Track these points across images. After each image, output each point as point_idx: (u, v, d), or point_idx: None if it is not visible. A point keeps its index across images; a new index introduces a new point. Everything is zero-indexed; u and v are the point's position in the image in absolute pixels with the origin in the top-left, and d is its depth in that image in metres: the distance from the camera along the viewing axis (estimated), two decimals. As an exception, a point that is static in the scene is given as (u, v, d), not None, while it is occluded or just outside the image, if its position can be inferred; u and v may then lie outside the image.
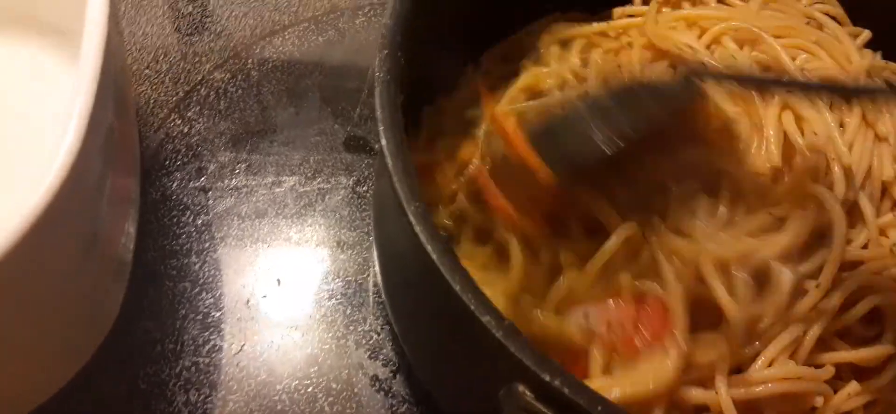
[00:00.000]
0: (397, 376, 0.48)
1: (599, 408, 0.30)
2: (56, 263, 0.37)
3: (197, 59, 0.60)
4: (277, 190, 0.55)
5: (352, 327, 0.50)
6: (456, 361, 0.39)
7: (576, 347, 0.37)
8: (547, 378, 0.30)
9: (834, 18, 0.48)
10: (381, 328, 0.50)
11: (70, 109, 0.35)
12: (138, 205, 0.49)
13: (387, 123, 0.35)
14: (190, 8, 0.63)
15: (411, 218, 0.33)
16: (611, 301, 0.37)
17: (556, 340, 0.37)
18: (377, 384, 0.48)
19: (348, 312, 0.50)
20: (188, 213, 0.53)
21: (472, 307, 0.31)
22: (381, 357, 0.49)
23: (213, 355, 0.48)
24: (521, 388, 0.32)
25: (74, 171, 0.34)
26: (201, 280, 0.50)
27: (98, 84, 0.36)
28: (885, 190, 0.42)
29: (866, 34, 0.47)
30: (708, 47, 0.45)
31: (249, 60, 0.61)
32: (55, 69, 0.49)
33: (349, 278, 0.52)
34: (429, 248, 0.32)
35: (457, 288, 0.31)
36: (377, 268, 0.48)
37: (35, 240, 0.33)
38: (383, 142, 0.35)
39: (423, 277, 0.36)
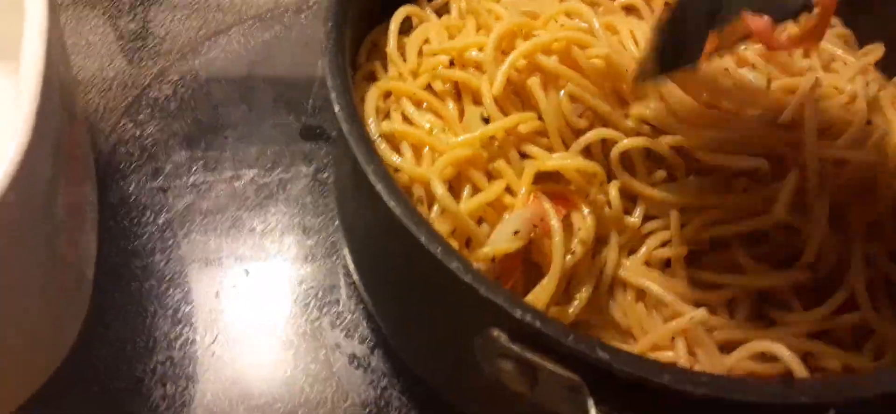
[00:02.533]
0: (375, 352, 0.49)
1: (570, 338, 0.30)
2: (12, 272, 0.36)
3: (143, 63, 0.60)
4: (237, 184, 0.55)
5: (325, 309, 0.50)
6: (429, 321, 0.39)
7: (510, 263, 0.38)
8: (518, 314, 0.31)
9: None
10: (355, 307, 0.50)
11: (14, 125, 0.34)
12: (97, 210, 0.49)
13: (339, 90, 0.36)
14: (131, 15, 0.63)
15: (371, 178, 0.33)
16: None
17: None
18: (355, 362, 0.48)
19: (320, 295, 0.51)
20: (148, 213, 0.53)
21: (440, 256, 0.32)
22: (357, 335, 0.49)
23: (187, 348, 0.48)
24: (495, 332, 0.33)
25: (22, 175, 0.33)
26: (168, 277, 0.50)
27: (41, 88, 0.36)
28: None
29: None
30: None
31: (196, 61, 0.60)
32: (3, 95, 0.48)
33: (318, 262, 0.52)
34: (391, 204, 0.33)
35: (422, 239, 0.32)
36: (346, 249, 0.48)
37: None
38: (336, 108, 0.35)
39: (390, 238, 0.37)
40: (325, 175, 0.56)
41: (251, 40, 0.62)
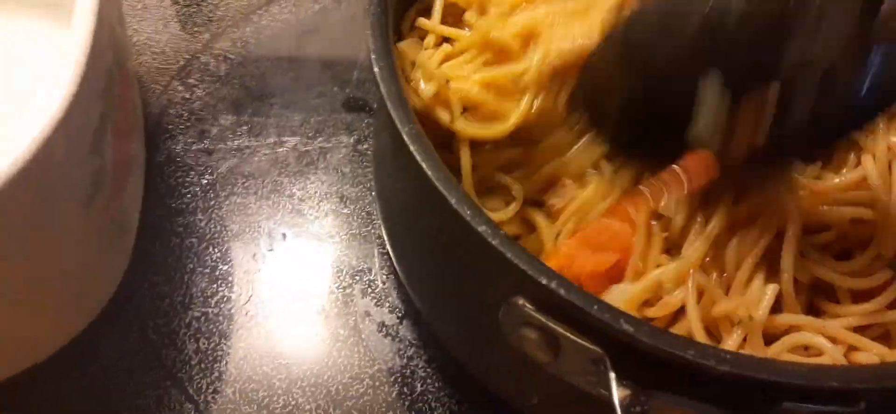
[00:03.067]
0: (403, 322, 0.49)
1: (595, 307, 0.30)
2: (56, 209, 0.37)
3: (195, 29, 0.61)
4: (279, 150, 0.56)
5: (357, 277, 0.51)
6: (457, 289, 0.40)
7: None
8: (543, 281, 0.31)
9: None
10: (387, 278, 0.51)
11: (64, 68, 0.35)
12: (143, 166, 0.51)
13: (379, 52, 0.36)
14: (188, -18, 0.64)
15: (406, 138, 0.34)
16: None
17: None
18: (384, 330, 0.49)
19: (353, 263, 0.51)
20: (193, 173, 0.54)
21: (468, 218, 0.32)
22: (386, 305, 0.50)
23: (222, 306, 0.49)
24: (520, 301, 0.33)
25: (69, 118, 0.35)
26: (208, 236, 0.51)
27: (92, 37, 0.37)
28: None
29: None
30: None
31: (247, 29, 0.62)
32: (52, 44, 0.50)
33: (353, 231, 0.53)
34: (424, 166, 0.33)
35: (452, 201, 0.32)
36: (381, 219, 0.49)
37: (30, 181, 0.33)
38: (376, 70, 0.36)
39: (422, 203, 0.37)
40: (365, 147, 0.56)
41: (301, 11, 0.63)
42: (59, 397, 0.45)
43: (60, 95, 0.34)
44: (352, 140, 0.56)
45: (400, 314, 0.49)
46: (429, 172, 0.33)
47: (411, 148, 0.33)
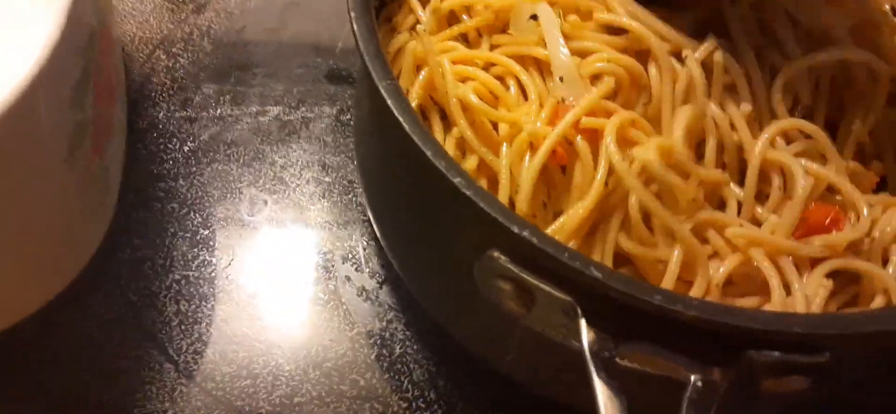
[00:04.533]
0: (383, 287, 0.50)
1: (565, 255, 0.31)
2: (34, 163, 0.38)
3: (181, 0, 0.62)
4: (262, 119, 0.56)
5: (338, 244, 0.51)
6: (433, 247, 0.40)
7: None
8: (516, 230, 0.31)
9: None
10: (367, 244, 0.51)
11: (46, 20, 0.35)
12: (125, 131, 0.51)
13: (358, 11, 0.37)
14: (173, -47, 0.64)
15: (383, 92, 0.34)
16: None
17: None
18: (364, 294, 0.49)
19: (334, 230, 0.52)
20: (175, 140, 0.54)
21: (443, 169, 0.32)
22: (367, 270, 0.50)
23: (203, 270, 0.49)
24: (495, 253, 0.33)
25: (49, 70, 0.35)
26: (189, 201, 0.52)
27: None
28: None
29: None
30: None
31: (232, 0, 0.62)
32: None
33: (334, 199, 0.53)
34: (401, 119, 0.34)
35: (429, 153, 0.33)
36: (362, 187, 0.49)
37: (15, 124, 0.34)
38: (355, 27, 0.36)
39: (399, 157, 0.38)
40: (347, 117, 0.57)
41: (285, -17, 0.64)
42: (38, 356, 0.45)
43: (40, 45, 0.34)
44: (334, 111, 0.57)
45: (380, 279, 0.50)
46: (405, 126, 0.33)
47: (388, 102, 0.34)
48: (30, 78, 0.33)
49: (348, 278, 0.50)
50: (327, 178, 0.54)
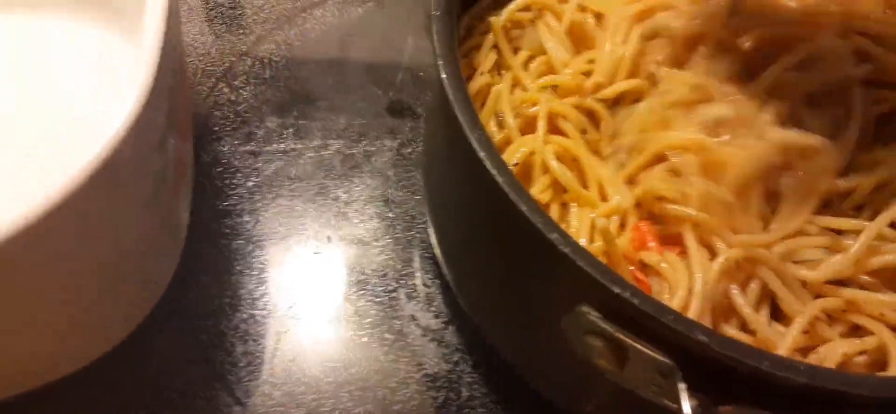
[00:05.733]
0: (449, 327, 0.49)
1: (670, 317, 0.30)
2: (123, 208, 0.38)
3: (241, 31, 0.62)
4: (324, 153, 0.56)
5: (402, 281, 0.51)
6: (517, 294, 0.39)
7: None
8: (617, 290, 0.31)
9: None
10: (432, 282, 0.51)
11: (137, 72, 0.36)
12: (193, 168, 0.51)
13: (445, 57, 0.36)
14: (231, -16, 0.65)
15: (475, 144, 0.34)
16: None
17: None
18: (430, 334, 0.49)
19: (398, 266, 0.51)
20: (239, 175, 0.54)
21: (540, 226, 0.32)
22: (432, 309, 0.50)
23: (269, 308, 0.49)
24: (585, 308, 0.33)
25: (143, 119, 0.35)
26: (255, 238, 0.51)
27: (162, 44, 0.37)
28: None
29: None
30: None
31: (292, 31, 0.62)
32: (113, 47, 0.50)
33: (398, 235, 0.53)
34: (494, 173, 0.33)
35: (524, 208, 0.32)
36: (429, 223, 0.49)
37: (104, 180, 0.34)
38: (443, 75, 0.36)
39: (485, 208, 0.37)
40: (408, 151, 0.56)
41: (345, 14, 0.63)
42: (110, 395, 0.45)
43: (133, 99, 0.34)
44: (396, 144, 0.57)
45: (445, 319, 0.49)
46: (499, 180, 0.33)
47: (480, 155, 0.33)
48: (124, 129, 0.33)
49: (414, 318, 0.49)
50: (390, 214, 0.54)
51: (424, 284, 0.51)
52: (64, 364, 0.42)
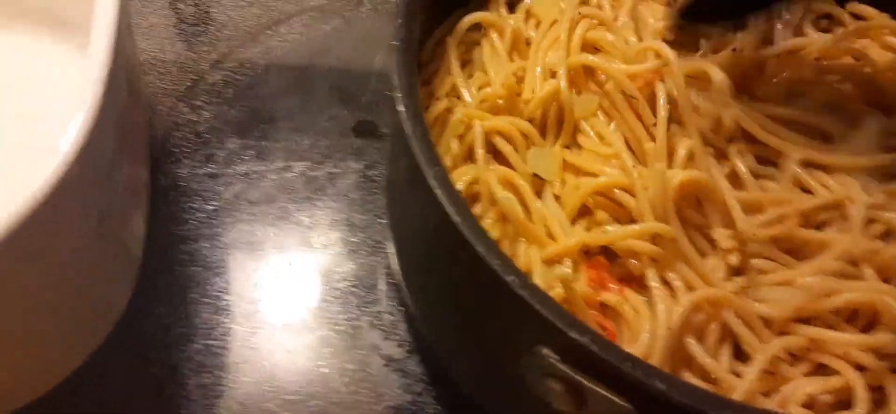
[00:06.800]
0: (412, 357, 0.48)
1: (627, 363, 0.29)
2: (67, 240, 0.36)
3: (203, 48, 0.60)
4: (287, 175, 0.54)
5: (365, 309, 0.49)
6: (477, 332, 0.38)
7: None
8: (574, 335, 0.30)
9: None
10: (396, 310, 0.50)
11: (82, 94, 0.34)
12: (149, 192, 0.49)
13: (404, 90, 0.35)
14: (192, 3, 0.63)
15: (431, 182, 0.33)
16: None
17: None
18: (392, 364, 0.48)
19: (361, 293, 0.50)
20: (198, 199, 0.52)
21: (496, 267, 0.31)
22: (395, 338, 0.49)
23: (225, 338, 0.47)
24: (545, 350, 0.32)
25: (87, 146, 0.33)
26: (212, 265, 0.50)
27: (110, 63, 0.36)
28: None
29: None
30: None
31: (255, 49, 0.60)
32: (63, 61, 0.49)
33: (361, 261, 0.51)
34: (450, 211, 0.32)
35: (480, 249, 0.31)
36: (391, 249, 0.48)
37: (48, 214, 0.32)
38: (401, 108, 0.35)
39: (443, 244, 0.36)
40: (375, 172, 0.55)
41: (310, 32, 0.62)
42: (57, 432, 0.43)
43: (78, 123, 0.33)
44: (361, 166, 0.55)
45: (408, 348, 0.48)
46: (456, 219, 0.32)
47: (436, 192, 0.32)
48: (70, 155, 0.32)
49: (376, 347, 0.48)
50: (354, 239, 0.52)
51: (388, 312, 0.50)
52: (9, 399, 0.41)
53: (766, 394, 0.35)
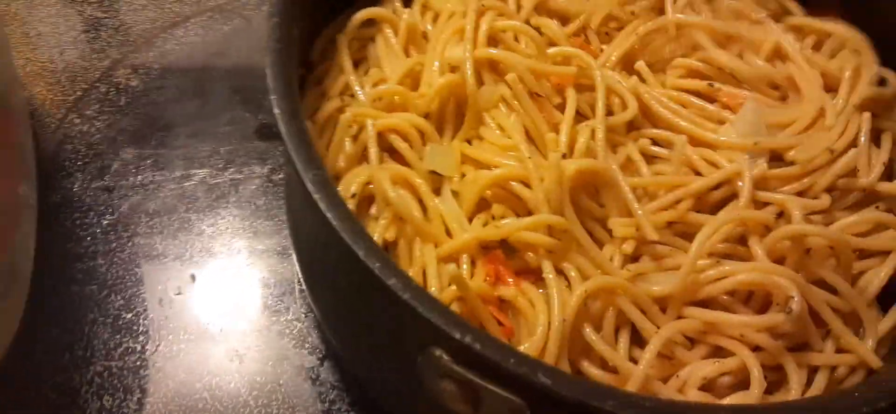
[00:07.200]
0: (324, 363, 0.47)
1: (512, 360, 0.29)
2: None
3: (95, 56, 0.58)
4: (187, 184, 0.52)
5: (274, 318, 0.48)
6: (374, 336, 0.37)
7: None
8: (457, 335, 0.29)
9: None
10: (305, 316, 0.48)
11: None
12: (35, 210, 0.47)
13: (280, 93, 0.34)
14: (84, 4, 0.60)
15: (309, 186, 0.32)
16: None
17: None
18: (303, 373, 0.46)
19: (270, 302, 0.49)
20: (92, 214, 0.50)
21: (377, 271, 0.30)
22: (306, 346, 0.47)
23: (127, 358, 0.45)
24: (437, 352, 0.31)
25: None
26: (109, 282, 0.48)
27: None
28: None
29: None
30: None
31: (150, 53, 0.58)
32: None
33: (269, 269, 0.50)
34: (330, 216, 0.31)
35: (360, 253, 0.30)
36: (295, 256, 0.46)
37: None
38: (277, 111, 0.33)
39: (330, 249, 0.35)
40: (279, 176, 0.53)
41: (209, 33, 0.60)
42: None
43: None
44: (265, 170, 0.54)
45: (320, 355, 0.47)
46: (334, 223, 0.31)
47: (315, 197, 0.31)
48: None
49: (286, 356, 0.47)
50: (260, 246, 0.51)
51: (298, 319, 0.48)
52: None
53: (665, 380, 0.35)
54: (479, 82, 0.41)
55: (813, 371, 0.36)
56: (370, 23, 0.44)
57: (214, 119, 0.55)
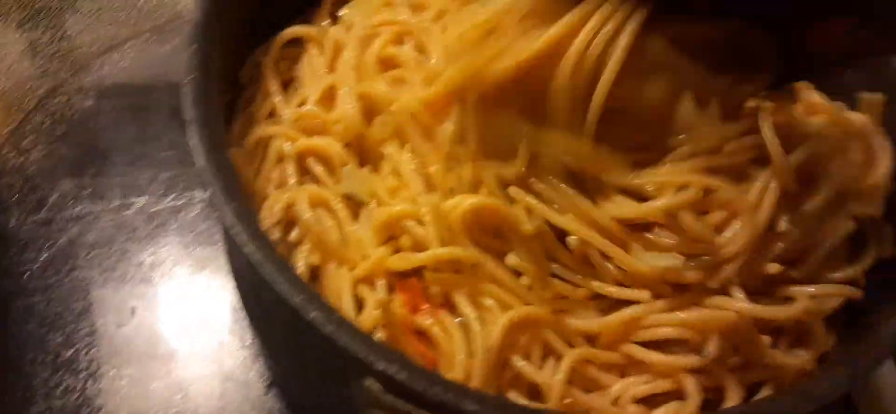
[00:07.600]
0: (270, 392, 0.46)
1: (438, 389, 0.28)
2: None
3: (29, 84, 0.56)
4: (126, 213, 0.51)
5: (218, 346, 0.47)
6: (308, 367, 0.37)
7: None
8: (381, 366, 0.28)
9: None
10: (251, 342, 0.48)
11: None
12: (-33, 249, 0.46)
13: (198, 122, 0.33)
14: (18, 32, 0.59)
15: (228, 219, 0.31)
16: None
17: None
18: (249, 402, 0.46)
19: (213, 331, 0.48)
20: (29, 249, 0.49)
21: (298, 306, 0.29)
22: (252, 372, 0.47)
23: (67, 397, 0.44)
24: (368, 382, 0.30)
25: None
26: (49, 319, 0.47)
27: None
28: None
29: None
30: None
31: (87, 79, 0.57)
32: None
33: (211, 296, 0.49)
34: (247, 250, 0.30)
35: (281, 289, 0.30)
36: (235, 282, 0.46)
37: None
38: (194, 142, 0.33)
39: (255, 282, 0.34)
40: (224, 200, 0.52)
41: (147, 55, 0.59)
42: None
43: None
44: (207, 195, 0.53)
45: (267, 382, 0.46)
46: (253, 258, 0.30)
47: (232, 231, 0.31)
48: None
49: (231, 387, 0.46)
50: (202, 274, 0.50)
51: (243, 347, 0.47)
52: None
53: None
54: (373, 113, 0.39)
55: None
56: (299, 42, 0.43)
57: (154, 143, 0.54)
